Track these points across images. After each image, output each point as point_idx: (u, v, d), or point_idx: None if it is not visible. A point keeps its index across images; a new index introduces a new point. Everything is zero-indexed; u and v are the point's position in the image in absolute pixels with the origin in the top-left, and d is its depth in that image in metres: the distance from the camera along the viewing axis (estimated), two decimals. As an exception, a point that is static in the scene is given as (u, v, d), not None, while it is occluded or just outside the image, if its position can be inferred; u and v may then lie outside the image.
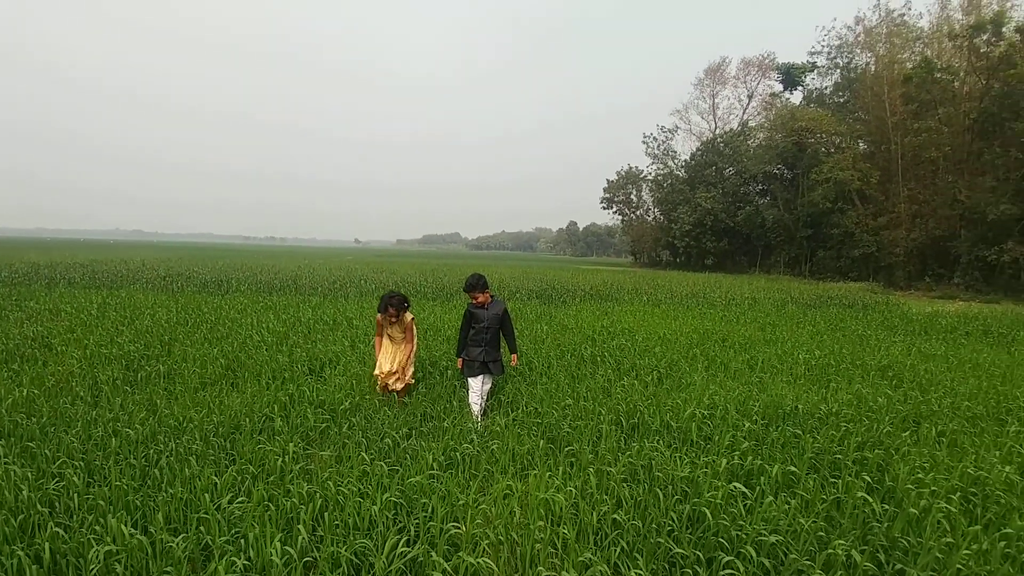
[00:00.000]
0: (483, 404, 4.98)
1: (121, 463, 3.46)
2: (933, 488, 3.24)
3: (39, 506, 2.87)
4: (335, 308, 10.88)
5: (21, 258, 23.84)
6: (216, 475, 3.29)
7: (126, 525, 2.68)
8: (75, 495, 3.03)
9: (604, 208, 63.57)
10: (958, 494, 3.27)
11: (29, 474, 3.20)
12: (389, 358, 5.13)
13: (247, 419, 4.32)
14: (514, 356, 5.24)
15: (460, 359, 5.08)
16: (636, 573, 2.43)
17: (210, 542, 2.69)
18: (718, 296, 15.71)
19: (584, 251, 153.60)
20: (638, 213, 61.63)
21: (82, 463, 3.45)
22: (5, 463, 3.34)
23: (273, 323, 8.75)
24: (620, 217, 63.98)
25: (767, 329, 10.10)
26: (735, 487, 3.21)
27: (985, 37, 25.80)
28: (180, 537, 2.69)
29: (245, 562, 2.53)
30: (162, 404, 4.70)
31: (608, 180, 62.35)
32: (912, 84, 27.50)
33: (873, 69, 34.41)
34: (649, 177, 56.72)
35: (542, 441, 3.99)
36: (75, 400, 4.77)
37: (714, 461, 3.63)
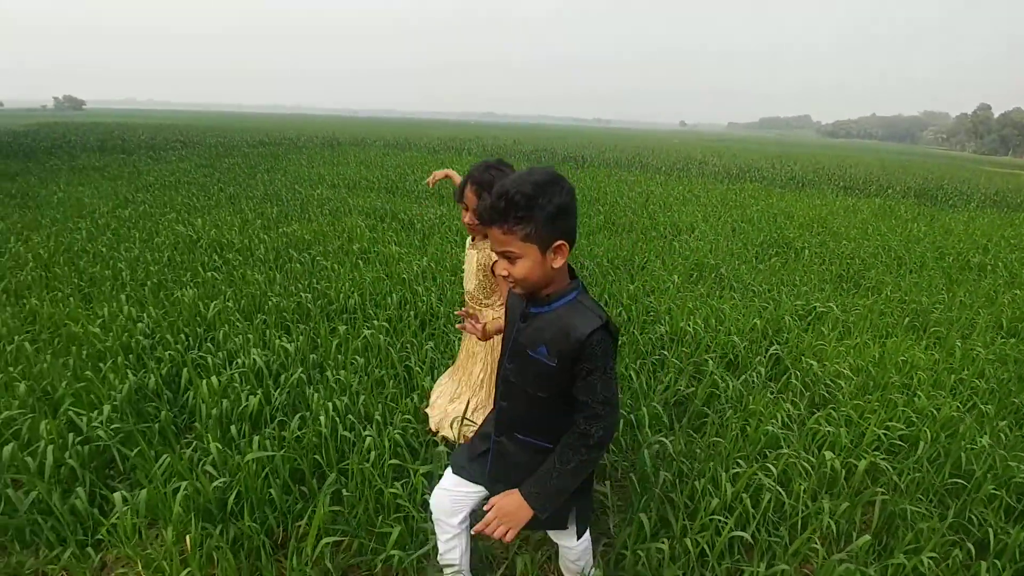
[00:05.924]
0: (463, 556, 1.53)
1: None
2: None
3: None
4: (680, 186, 11.73)
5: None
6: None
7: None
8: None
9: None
10: None
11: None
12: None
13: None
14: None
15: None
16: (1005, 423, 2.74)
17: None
18: None
19: (996, 147, 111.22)
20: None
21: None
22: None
23: (629, 194, 10.22)
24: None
25: None
26: None
27: None
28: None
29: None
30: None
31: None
32: None
33: None
34: None
35: (905, 319, 4.19)
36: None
37: None
